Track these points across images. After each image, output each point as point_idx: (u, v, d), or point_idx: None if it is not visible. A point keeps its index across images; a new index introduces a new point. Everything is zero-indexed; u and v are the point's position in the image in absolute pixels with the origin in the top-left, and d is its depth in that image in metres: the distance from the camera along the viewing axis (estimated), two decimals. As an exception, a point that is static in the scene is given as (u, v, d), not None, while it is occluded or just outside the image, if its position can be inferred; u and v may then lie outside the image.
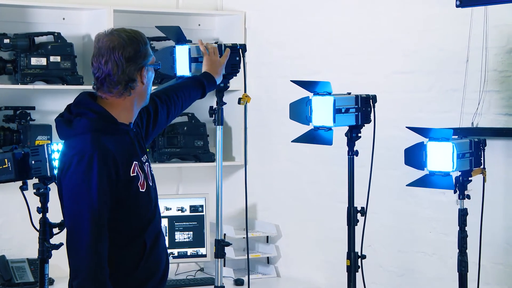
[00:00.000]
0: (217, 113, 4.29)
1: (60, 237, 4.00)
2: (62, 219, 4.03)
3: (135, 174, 2.97)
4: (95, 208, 2.88)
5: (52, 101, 5.29)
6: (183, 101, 3.56)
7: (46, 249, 3.83)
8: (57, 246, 3.88)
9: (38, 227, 3.87)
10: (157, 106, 3.34)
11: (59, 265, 5.14)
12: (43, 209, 3.89)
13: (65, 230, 3.96)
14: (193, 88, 3.62)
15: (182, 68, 4.20)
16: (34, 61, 5.08)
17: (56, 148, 4.26)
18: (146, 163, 3.07)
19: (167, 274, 3.16)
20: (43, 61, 5.10)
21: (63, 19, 5.34)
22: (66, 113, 3.03)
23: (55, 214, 4.01)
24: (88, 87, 5.27)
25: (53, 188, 4.02)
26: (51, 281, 4.97)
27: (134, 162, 2.98)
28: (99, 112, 2.98)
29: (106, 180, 2.89)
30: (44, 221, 3.87)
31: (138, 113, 3.14)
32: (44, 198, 3.91)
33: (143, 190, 3.00)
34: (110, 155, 2.92)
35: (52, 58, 5.12)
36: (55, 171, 4.01)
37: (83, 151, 2.91)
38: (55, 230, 3.92)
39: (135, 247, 3.02)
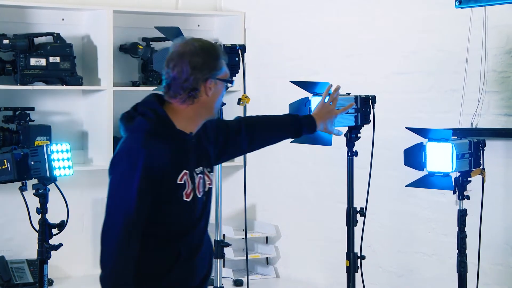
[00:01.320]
0: (216, 114, 4.29)
1: (59, 238, 4.00)
2: (62, 219, 4.04)
3: (183, 182, 2.96)
4: (132, 207, 2.88)
5: (51, 102, 5.29)
6: (268, 141, 3.50)
7: (45, 250, 3.84)
8: (56, 247, 3.88)
9: (37, 228, 3.88)
10: (238, 133, 3.32)
11: (58, 266, 5.15)
12: (43, 210, 3.90)
13: (64, 230, 3.98)
14: (287, 131, 3.50)
15: (182, 68, 4.20)
16: (33, 61, 5.08)
17: (56, 148, 4.26)
18: (200, 175, 3.04)
19: None
20: (42, 61, 5.10)
21: (63, 19, 5.33)
22: (131, 110, 3.05)
23: (55, 214, 4.02)
24: (87, 88, 5.28)
25: (52, 189, 4.03)
26: (50, 282, 4.97)
27: (184, 170, 2.97)
28: (159, 114, 2.98)
29: (148, 181, 2.89)
30: (43, 222, 3.87)
31: (215, 130, 3.18)
32: (43, 199, 3.92)
33: (188, 200, 2.99)
34: (158, 157, 2.91)
35: (51, 59, 5.12)
36: (54, 172, 4.01)
37: (132, 149, 2.92)
38: (55, 231, 3.92)
39: (168, 253, 3.00)
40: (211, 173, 3.11)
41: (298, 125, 3.46)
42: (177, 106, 2.98)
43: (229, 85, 3.03)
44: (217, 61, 2.98)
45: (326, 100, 3.55)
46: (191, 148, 3.01)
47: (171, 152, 2.94)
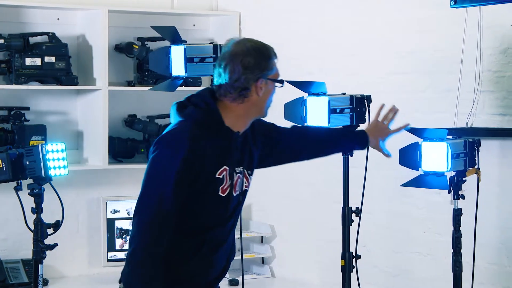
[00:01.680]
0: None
1: (54, 238, 4.00)
2: (57, 219, 4.04)
3: (221, 177, 3.01)
4: (169, 190, 2.92)
5: (46, 102, 5.29)
6: (318, 153, 3.60)
7: (40, 250, 3.84)
8: (51, 247, 3.88)
9: (32, 228, 3.87)
10: (289, 140, 3.41)
11: (53, 266, 5.14)
12: (38, 210, 3.90)
13: (59, 230, 3.98)
14: (339, 144, 3.64)
15: (178, 68, 4.20)
16: (28, 61, 5.07)
17: (51, 148, 4.26)
18: (239, 174, 3.09)
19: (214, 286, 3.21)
20: (37, 61, 5.09)
21: (58, 19, 5.33)
22: (185, 100, 3.09)
23: (50, 214, 4.02)
24: (82, 87, 5.27)
25: (48, 189, 4.03)
26: (45, 282, 4.97)
27: (225, 166, 3.02)
28: (211, 108, 3.03)
29: (187, 169, 2.93)
30: (38, 222, 3.87)
31: (264, 132, 3.26)
32: (38, 199, 3.91)
33: (223, 195, 3.04)
34: (201, 148, 2.95)
35: (46, 59, 5.11)
36: (50, 172, 4.01)
37: (178, 135, 2.98)
38: (50, 231, 3.92)
39: (191, 244, 3.05)
40: (251, 176, 3.17)
41: (351, 140, 3.59)
42: (228, 104, 3.04)
43: (279, 85, 3.06)
44: (268, 61, 3.06)
45: (380, 119, 3.66)
46: (236, 146, 3.06)
47: (215, 145, 2.99)
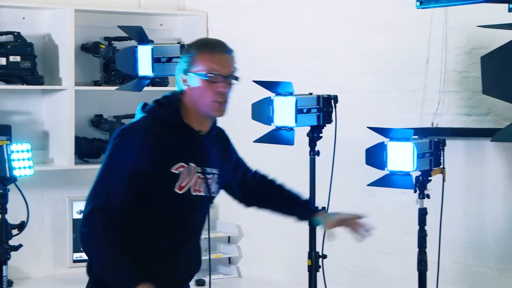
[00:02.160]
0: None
1: (19, 239, 3.97)
2: (22, 220, 4.02)
3: (177, 172, 3.01)
4: (122, 176, 2.95)
5: (11, 101, 5.24)
6: (268, 207, 3.55)
7: (4, 251, 3.81)
8: (16, 248, 3.86)
9: (-3, 228, 3.84)
10: (241, 176, 3.39)
11: (18, 267, 5.10)
12: (2, 210, 3.87)
13: (24, 231, 3.95)
14: (292, 213, 3.53)
15: (145, 68, 4.19)
16: (-7, 60, 5.04)
17: (16, 148, 4.23)
18: (208, 175, 3.10)
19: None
20: (2, 61, 5.05)
21: (23, 18, 5.29)
22: (154, 100, 3.15)
23: (14, 215, 3.99)
24: (48, 87, 5.24)
25: (13, 189, 4.00)
26: (10, 283, 4.92)
27: (182, 163, 3.02)
28: (172, 105, 3.08)
29: (141, 160, 2.96)
30: (3, 223, 3.85)
31: (232, 155, 3.30)
32: (3, 199, 3.89)
33: (180, 192, 3.03)
34: (157, 142, 2.98)
35: (11, 58, 5.07)
36: (15, 172, 3.99)
37: (136, 128, 3.03)
38: (14, 232, 3.89)
39: (148, 241, 3.04)
40: (218, 184, 3.17)
41: (306, 215, 3.51)
42: (186, 102, 3.07)
43: (210, 79, 3.02)
44: (189, 56, 3.06)
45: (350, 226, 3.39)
46: (197, 145, 3.07)
47: (173, 141, 3.02)
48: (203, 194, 3.08)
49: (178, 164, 3.01)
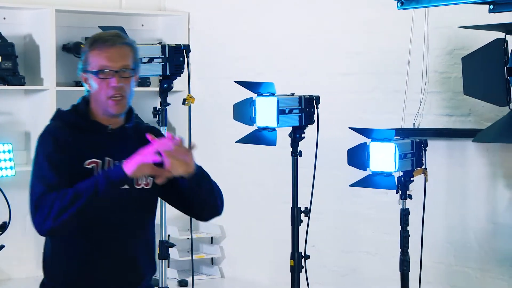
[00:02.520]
0: (161, 114, 4.28)
1: (1, 239, 3.95)
2: (4, 221, 3.99)
3: (90, 167, 2.99)
4: (41, 178, 2.99)
5: (-7, 102, 5.22)
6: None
7: (-14, 252, 3.78)
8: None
9: (-22, 230, 3.82)
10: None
11: (0, 268, 5.07)
12: (-16, 211, 3.84)
13: (6, 232, 3.93)
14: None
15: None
16: (-26, 61, 5.01)
17: (-3, 149, 4.20)
18: None
19: None
20: (-17, 61, 5.03)
21: (4, 18, 5.26)
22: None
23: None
24: (30, 88, 5.22)
25: (-6, 190, 3.97)
26: (-8, 283, 4.90)
27: (93, 159, 3.00)
28: (77, 106, 3.09)
29: (58, 151, 2.98)
30: None
31: None
32: (-16, 200, 3.86)
33: None
34: (64, 142, 2.99)
35: (-8, 58, 5.06)
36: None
37: (44, 131, 3.05)
38: (-4, 232, 3.87)
39: (67, 239, 3.02)
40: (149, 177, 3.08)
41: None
42: (92, 100, 3.07)
43: (100, 75, 2.99)
44: (86, 53, 3.04)
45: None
46: (109, 140, 3.04)
47: (79, 139, 3.00)
48: (126, 187, 3.01)
49: (90, 160, 2.99)
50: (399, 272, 3.85)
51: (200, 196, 3.17)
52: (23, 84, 5.15)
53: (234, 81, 3.95)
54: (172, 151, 2.99)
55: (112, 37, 3.03)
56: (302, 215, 3.97)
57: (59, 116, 3.10)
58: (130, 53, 3.04)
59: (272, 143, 3.89)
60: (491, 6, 3.25)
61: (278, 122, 3.84)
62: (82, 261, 3.01)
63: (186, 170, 3.03)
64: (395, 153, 3.69)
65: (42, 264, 3.12)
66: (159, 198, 3.22)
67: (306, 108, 3.95)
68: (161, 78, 4.31)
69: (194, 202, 3.18)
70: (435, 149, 4.13)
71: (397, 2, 3.91)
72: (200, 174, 3.16)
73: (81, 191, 2.88)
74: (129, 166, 2.89)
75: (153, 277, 5.38)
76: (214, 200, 3.27)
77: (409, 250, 3.84)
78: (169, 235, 5.16)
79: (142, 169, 2.90)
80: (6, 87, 5.11)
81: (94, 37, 3.06)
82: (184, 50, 4.28)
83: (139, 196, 3.08)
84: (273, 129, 3.88)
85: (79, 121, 3.05)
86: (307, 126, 3.96)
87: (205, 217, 3.39)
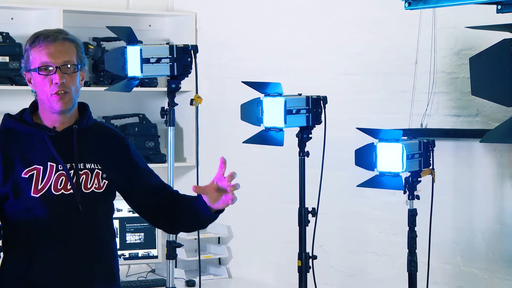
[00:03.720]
0: (168, 114, 4.28)
1: None
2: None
3: (27, 176, 2.94)
4: None
5: (0, 102, 5.22)
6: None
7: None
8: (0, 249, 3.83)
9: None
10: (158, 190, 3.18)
11: None
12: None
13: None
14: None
15: (134, 69, 4.18)
16: (-18, 61, 5.02)
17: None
18: (80, 171, 2.99)
19: None
20: (-9, 61, 5.04)
21: (12, 19, 5.27)
22: None
23: None
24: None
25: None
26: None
27: (35, 165, 2.95)
28: (23, 111, 3.06)
29: None
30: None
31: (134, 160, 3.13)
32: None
33: (37, 196, 2.94)
34: (2, 149, 2.96)
35: (0, 58, 5.06)
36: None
37: None
38: None
39: (13, 258, 2.98)
40: (105, 179, 3.03)
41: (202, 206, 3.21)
42: (38, 101, 3.03)
43: (42, 72, 2.95)
44: (27, 51, 3.00)
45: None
46: (55, 142, 2.98)
47: (21, 146, 2.96)
48: (71, 192, 2.95)
49: (29, 168, 2.94)
50: (407, 273, 3.85)
51: (195, 224, 3.20)
52: (30, 84, 5.15)
53: (242, 82, 3.95)
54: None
55: (54, 33, 2.98)
56: (310, 215, 3.97)
57: (3, 122, 3.05)
58: (72, 49, 2.99)
59: (279, 143, 3.89)
60: (499, 6, 3.24)
61: (285, 123, 3.84)
62: (26, 275, 2.95)
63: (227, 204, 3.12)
64: (402, 153, 3.69)
65: None
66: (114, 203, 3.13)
67: (314, 109, 3.95)
68: (168, 78, 4.31)
69: (181, 221, 3.15)
70: (442, 150, 4.12)
71: (405, 2, 3.90)
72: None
73: None
74: None
75: (161, 277, 5.40)
76: (191, 230, 3.32)
77: (416, 251, 3.83)
78: (176, 236, 5.16)
79: None
80: (14, 87, 5.12)
81: (35, 34, 3.00)
82: (192, 51, 4.28)
83: (87, 201, 3.00)
84: (281, 129, 3.88)
85: (18, 126, 3.00)
86: (315, 127, 3.96)
87: (166, 231, 3.47)
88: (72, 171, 2.97)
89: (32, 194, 2.92)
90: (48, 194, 2.94)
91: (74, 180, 2.97)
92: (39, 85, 2.96)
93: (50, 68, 2.94)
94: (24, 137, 2.98)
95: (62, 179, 2.96)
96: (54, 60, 2.94)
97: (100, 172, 3.04)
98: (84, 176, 3.00)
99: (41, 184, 2.93)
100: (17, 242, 2.99)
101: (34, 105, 3.04)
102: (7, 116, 3.05)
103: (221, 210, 3.15)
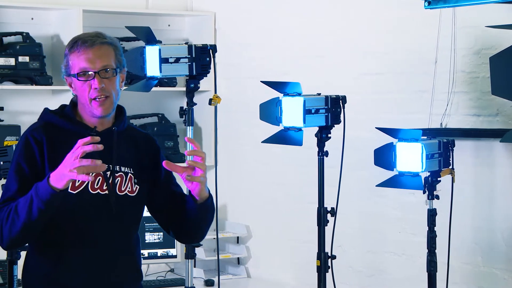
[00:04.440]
0: (187, 114, 4.29)
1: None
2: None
3: None
4: (11, 177, 2.97)
5: (20, 102, 5.25)
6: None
7: (14, 250, 3.81)
8: (26, 247, 3.85)
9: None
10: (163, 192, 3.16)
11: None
12: (12, 211, 3.86)
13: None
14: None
15: (153, 68, 4.19)
16: (2, 61, 5.04)
17: (25, 149, 4.22)
18: (116, 173, 3.00)
19: None
20: (11, 61, 5.06)
21: (32, 19, 5.30)
22: None
23: (24, 215, 3.99)
24: (57, 88, 5.25)
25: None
26: (20, 282, 4.92)
27: None
28: (64, 107, 3.07)
29: (25, 158, 2.95)
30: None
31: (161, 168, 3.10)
32: (12, 200, 3.88)
33: (74, 192, 2.95)
34: (42, 142, 2.96)
35: (20, 58, 5.09)
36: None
37: (24, 132, 3.05)
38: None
39: (43, 260, 3.00)
40: (137, 184, 3.04)
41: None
42: (78, 102, 3.04)
43: (81, 78, 2.96)
44: (66, 57, 3.01)
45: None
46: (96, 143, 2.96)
47: (62, 142, 2.95)
48: (106, 193, 2.97)
49: None
50: (426, 273, 3.84)
51: (196, 223, 3.11)
52: (50, 84, 5.18)
53: (260, 81, 3.95)
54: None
55: (91, 38, 2.98)
56: (329, 215, 3.96)
57: (44, 116, 3.06)
58: (111, 52, 2.99)
59: (298, 143, 3.89)
60: (520, 5, 3.23)
61: (304, 122, 3.84)
62: (53, 274, 2.98)
63: (202, 188, 2.97)
64: (422, 153, 3.68)
65: (21, 275, 3.11)
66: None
67: (333, 108, 3.94)
68: (187, 78, 4.32)
69: (187, 225, 3.11)
70: (462, 149, 4.11)
71: (424, 2, 3.90)
72: (211, 204, 3.09)
73: (19, 211, 2.84)
74: (55, 179, 2.80)
75: (180, 277, 5.41)
76: (203, 233, 3.19)
77: (436, 251, 3.82)
78: (195, 235, 5.17)
79: (65, 180, 2.79)
80: (34, 87, 5.15)
81: (74, 38, 3.01)
82: (211, 50, 4.29)
83: (120, 203, 3.01)
84: (299, 129, 3.88)
85: (62, 122, 3.01)
86: (334, 126, 3.95)
87: (183, 241, 3.40)
88: (109, 173, 2.99)
89: (69, 190, 2.92)
90: (85, 192, 2.96)
91: (110, 182, 2.99)
92: (80, 90, 2.98)
93: (89, 73, 2.95)
94: (66, 133, 2.99)
95: (99, 179, 2.98)
96: (93, 66, 2.95)
97: (133, 176, 3.06)
98: (119, 178, 3.02)
99: (78, 181, 2.93)
100: (46, 241, 3.00)
101: (74, 103, 3.06)
102: (48, 110, 3.07)
103: (207, 202, 3.06)
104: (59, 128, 3.01)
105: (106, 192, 2.98)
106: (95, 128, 3.00)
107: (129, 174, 3.05)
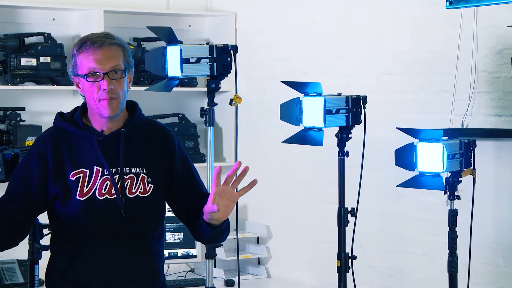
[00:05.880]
0: (208, 114, 4.30)
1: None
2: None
3: (74, 179, 2.96)
4: (14, 181, 3.03)
5: (42, 102, 5.28)
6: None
7: (36, 250, 3.82)
8: (47, 247, 3.87)
9: (28, 228, 3.86)
10: (181, 189, 3.13)
11: (49, 266, 5.12)
12: (33, 210, 3.88)
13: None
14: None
15: (174, 68, 4.21)
16: (24, 61, 5.07)
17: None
18: (125, 176, 2.99)
19: None
20: (33, 61, 5.09)
21: (53, 19, 5.33)
22: None
23: (45, 215, 4.01)
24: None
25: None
26: (41, 282, 4.93)
27: (82, 169, 2.96)
28: (73, 112, 3.07)
29: (31, 169, 2.98)
30: (34, 222, 3.86)
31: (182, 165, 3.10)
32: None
33: (82, 199, 2.96)
34: (51, 149, 2.97)
35: (42, 59, 5.11)
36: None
37: (36, 139, 3.07)
38: (45, 231, 3.91)
39: (60, 257, 3.04)
40: (151, 184, 3.03)
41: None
42: (87, 104, 3.03)
43: (90, 79, 2.94)
44: (75, 57, 2.99)
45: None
46: (102, 146, 2.98)
47: (71, 148, 2.97)
48: (114, 197, 2.95)
49: (76, 171, 2.95)
50: (447, 273, 3.82)
51: (211, 240, 3.16)
52: (71, 84, 5.15)
53: (281, 81, 3.95)
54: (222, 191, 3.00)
55: (100, 38, 2.96)
56: (349, 215, 3.96)
57: (55, 122, 3.06)
58: (119, 53, 2.96)
59: (319, 143, 3.89)
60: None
61: (325, 122, 3.84)
62: (68, 272, 3.02)
63: (221, 216, 2.96)
64: (443, 153, 3.66)
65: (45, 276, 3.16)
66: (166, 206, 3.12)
67: (353, 108, 3.94)
68: (208, 78, 4.32)
69: (202, 237, 3.11)
70: (483, 150, 4.09)
71: (446, 2, 3.89)
72: (226, 227, 3.06)
73: None
74: None
75: (200, 277, 5.41)
76: (220, 242, 3.20)
77: (457, 251, 3.81)
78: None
79: None
80: (55, 87, 5.17)
81: (82, 39, 3.00)
82: (232, 50, 4.29)
83: (131, 205, 3.00)
84: (320, 129, 3.88)
85: (68, 127, 3.01)
86: (354, 126, 3.95)
87: (202, 243, 3.53)
88: (117, 176, 2.98)
89: (77, 197, 2.94)
90: (92, 199, 2.96)
91: (118, 186, 2.98)
92: (87, 91, 2.96)
93: (98, 74, 2.93)
94: (74, 138, 2.99)
95: (107, 183, 2.97)
96: (102, 66, 2.93)
97: (146, 176, 3.03)
98: (129, 180, 3.00)
99: (86, 187, 2.94)
100: (62, 240, 3.04)
101: (84, 107, 3.05)
102: (59, 116, 3.06)
103: (221, 226, 3.03)
104: (68, 133, 3.01)
105: (115, 196, 2.97)
106: (102, 131, 2.99)
107: (141, 174, 3.02)
